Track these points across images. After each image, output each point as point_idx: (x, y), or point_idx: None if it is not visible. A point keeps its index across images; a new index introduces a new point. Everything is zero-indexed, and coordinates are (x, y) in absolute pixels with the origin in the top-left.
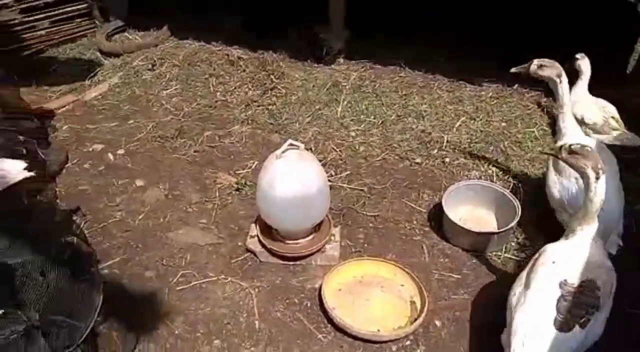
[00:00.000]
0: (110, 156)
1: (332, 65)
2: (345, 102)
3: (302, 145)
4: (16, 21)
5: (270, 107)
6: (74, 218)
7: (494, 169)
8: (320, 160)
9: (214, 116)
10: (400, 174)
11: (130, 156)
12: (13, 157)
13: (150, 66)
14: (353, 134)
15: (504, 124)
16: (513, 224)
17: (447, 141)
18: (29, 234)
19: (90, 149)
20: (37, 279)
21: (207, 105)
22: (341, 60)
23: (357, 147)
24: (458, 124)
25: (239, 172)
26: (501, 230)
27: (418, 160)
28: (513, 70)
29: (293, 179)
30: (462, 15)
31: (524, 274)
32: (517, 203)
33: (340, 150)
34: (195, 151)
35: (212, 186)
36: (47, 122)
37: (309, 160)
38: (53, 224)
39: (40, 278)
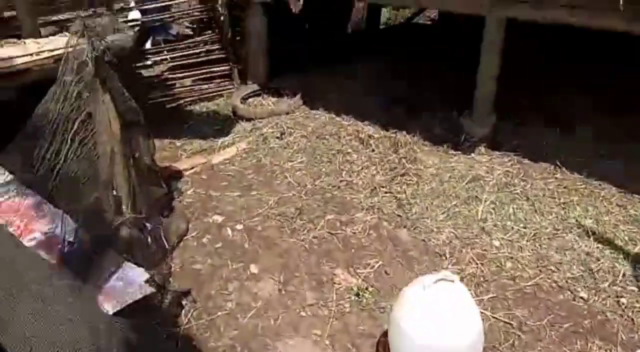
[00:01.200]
0: (229, 231)
1: (472, 154)
2: (487, 202)
3: (458, 278)
4: (164, 76)
5: (399, 195)
6: (184, 303)
7: None
8: (456, 273)
9: (337, 198)
10: (561, 310)
11: (248, 233)
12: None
13: (279, 134)
14: (497, 243)
15: None
16: None
17: (623, 275)
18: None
19: (211, 220)
20: None
21: (331, 185)
22: (482, 149)
23: (502, 263)
24: (635, 250)
25: (359, 271)
26: None
27: (583, 294)
28: None
29: (442, 324)
30: None
31: None
32: None
33: (481, 264)
34: (314, 237)
35: (329, 284)
36: (174, 184)
37: (465, 301)
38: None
39: None
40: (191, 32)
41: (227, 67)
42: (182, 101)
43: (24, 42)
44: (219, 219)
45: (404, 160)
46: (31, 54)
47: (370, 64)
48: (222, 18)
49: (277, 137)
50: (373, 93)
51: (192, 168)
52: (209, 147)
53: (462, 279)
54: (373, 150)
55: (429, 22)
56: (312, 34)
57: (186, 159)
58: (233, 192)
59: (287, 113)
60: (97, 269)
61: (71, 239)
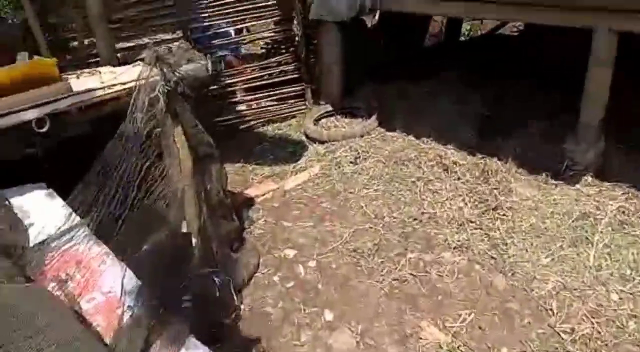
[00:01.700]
0: (301, 269)
1: (577, 185)
2: (600, 245)
3: None
4: (236, 98)
5: (491, 233)
6: None
7: None
8: (566, 333)
9: (419, 233)
10: None
11: (322, 272)
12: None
13: (353, 159)
14: (615, 297)
15: None
16: None
17: None
18: None
19: (282, 255)
20: None
21: (412, 217)
22: (589, 178)
23: (624, 322)
24: None
25: (449, 324)
26: None
27: None
28: None
29: None
30: None
31: None
32: None
33: (597, 322)
34: (394, 279)
35: (413, 339)
36: (245, 213)
37: None
38: None
39: None
40: (262, 51)
41: (300, 87)
42: (254, 122)
43: (100, 72)
44: (290, 253)
45: (495, 191)
46: (103, 88)
47: (451, 79)
48: (297, 38)
49: (352, 162)
50: (455, 112)
51: (264, 194)
52: (281, 171)
53: (574, 341)
54: (459, 178)
55: (515, 33)
56: (388, 49)
57: (257, 184)
58: (305, 223)
59: (362, 135)
60: (159, 346)
61: (131, 303)
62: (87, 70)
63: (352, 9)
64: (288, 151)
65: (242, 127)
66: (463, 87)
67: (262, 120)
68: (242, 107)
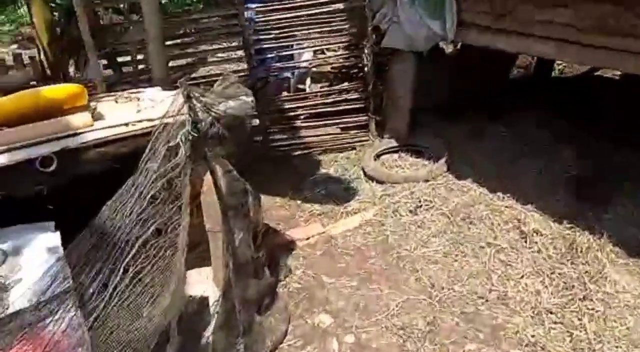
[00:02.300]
0: (335, 345)
1: None
2: None
3: None
4: (297, 124)
5: (575, 332)
6: None
7: None
8: None
9: (484, 316)
10: None
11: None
12: None
13: (413, 207)
14: None
15: None
16: None
17: None
18: None
19: (316, 322)
20: None
21: (476, 293)
22: None
23: None
24: None
25: None
26: None
27: None
28: None
29: None
30: None
31: None
32: None
33: None
34: None
35: None
36: (283, 259)
37: None
38: None
39: None
40: (330, 77)
41: (364, 118)
42: (311, 150)
43: (138, 99)
44: (326, 321)
45: (585, 276)
46: (127, 124)
47: (537, 123)
48: (367, 65)
49: (411, 211)
50: (539, 165)
51: (308, 238)
52: (331, 211)
53: None
54: (539, 251)
55: (617, 77)
56: (467, 82)
57: (303, 224)
58: (349, 281)
59: (427, 180)
60: None
61: None
62: (127, 93)
63: (430, 40)
64: (342, 187)
65: (297, 153)
66: (550, 134)
67: (319, 148)
68: (301, 132)
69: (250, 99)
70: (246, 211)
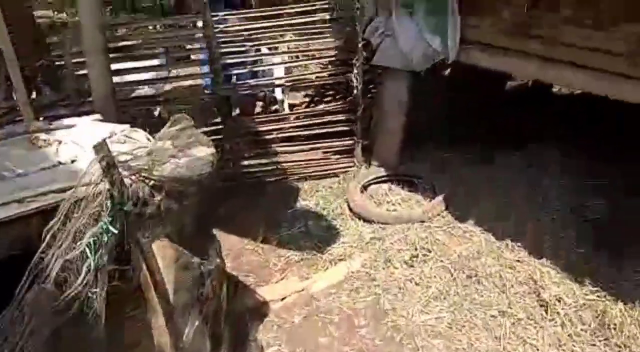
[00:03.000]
0: None
1: None
2: None
3: None
4: (271, 148)
5: None
6: None
7: None
8: None
9: None
10: None
11: None
12: None
13: (408, 257)
14: None
15: None
16: None
17: None
18: None
19: None
20: None
21: None
22: None
23: None
24: None
25: None
26: None
27: None
28: None
29: None
30: None
31: None
32: None
33: None
34: None
35: None
36: (252, 330)
37: None
38: None
39: None
40: (310, 96)
41: (349, 142)
42: (288, 177)
43: (59, 143)
44: None
45: None
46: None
47: (549, 154)
48: (356, 84)
49: (406, 262)
50: (554, 206)
51: (283, 298)
52: (311, 257)
53: None
54: (563, 325)
55: None
56: (463, 101)
57: (277, 278)
58: None
59: (422, 221)
60: None
61: None
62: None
63: (428, 59)
64: (324, 225)
65: (272, 180)
66: (565, 167)
67: (298, 175)
68: (276, 157)
69: (210, 151)
70: (204, 298)
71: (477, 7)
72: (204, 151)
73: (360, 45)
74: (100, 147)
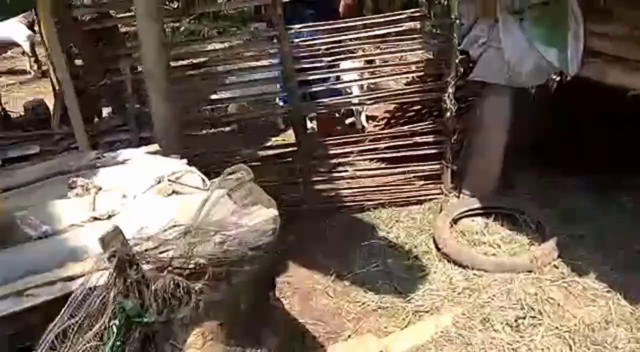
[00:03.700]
0: None
1: None
2: None
3: None
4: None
5: None
6: None
7: None
8: None
9: None
10: None
11: None
12: None
13: (513, 318)
14: None
15: None
16: None
17: None
18: None
19: None
20: None
21: None
22: None
23: None
24: None
25: None
26: None
27: None
28: None
29: None
30: None
31: None
32: None
33: None
34: None
35: None
36: None
37: None
38: None
39: None
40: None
41: (437, 166)
42: (363, 203)
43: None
44: None
45: None
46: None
47: None
48: (448, 102)
49: (509, 325)
50: None
51: None
52: (391, 305)
53: None
54: None
55: None
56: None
57: (351, 330)
58: None
59: (530, 271)
60: None
61: None
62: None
63: (541, 74)
64: (406, 264)
65: (345, 206)
66: None
67: (375, 201)
68: (351, 182)
69: (272, 214)
70: None
71: (605, 12)
72: (264, 214)
73: (457, 60)
74: (110, 239)
